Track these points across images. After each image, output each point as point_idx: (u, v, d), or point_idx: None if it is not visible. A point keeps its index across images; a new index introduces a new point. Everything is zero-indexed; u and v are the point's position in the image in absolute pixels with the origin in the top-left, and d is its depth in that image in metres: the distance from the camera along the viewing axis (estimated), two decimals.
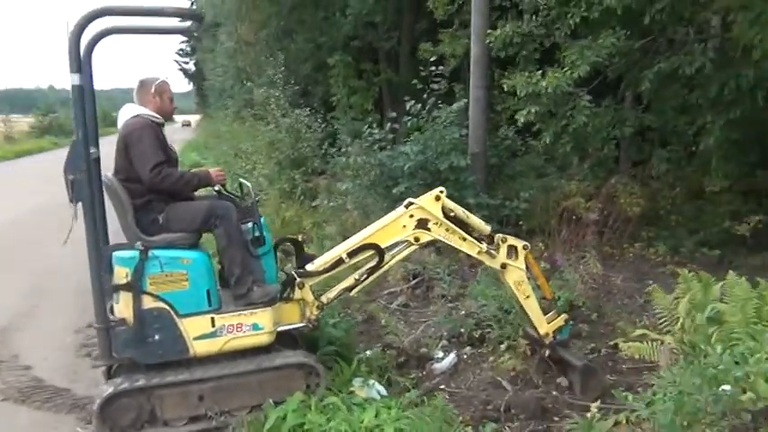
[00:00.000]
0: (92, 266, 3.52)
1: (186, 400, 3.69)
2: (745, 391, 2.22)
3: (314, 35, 14.79)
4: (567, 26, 7.28)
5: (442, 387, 4.43)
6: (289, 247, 4.84)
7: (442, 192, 4.06)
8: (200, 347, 3.68)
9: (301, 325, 4.00)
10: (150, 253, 3.57)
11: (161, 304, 3.59)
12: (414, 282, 6.57)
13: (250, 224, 3.88)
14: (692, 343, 4.02)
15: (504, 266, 4.16)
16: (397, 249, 4.15)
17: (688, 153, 8.70)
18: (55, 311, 6.04)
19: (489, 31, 8.07)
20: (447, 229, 4.05)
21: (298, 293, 3.93)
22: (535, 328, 4.31)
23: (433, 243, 4.22)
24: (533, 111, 7.08)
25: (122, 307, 3.60)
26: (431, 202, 4.03)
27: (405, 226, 4.02)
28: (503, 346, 4.83)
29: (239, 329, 3.73)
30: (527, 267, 4.25)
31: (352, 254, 4.00)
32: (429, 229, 4.03)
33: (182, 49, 48.14)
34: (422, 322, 5.67)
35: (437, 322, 5.49)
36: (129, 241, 3.68)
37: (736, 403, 2.20)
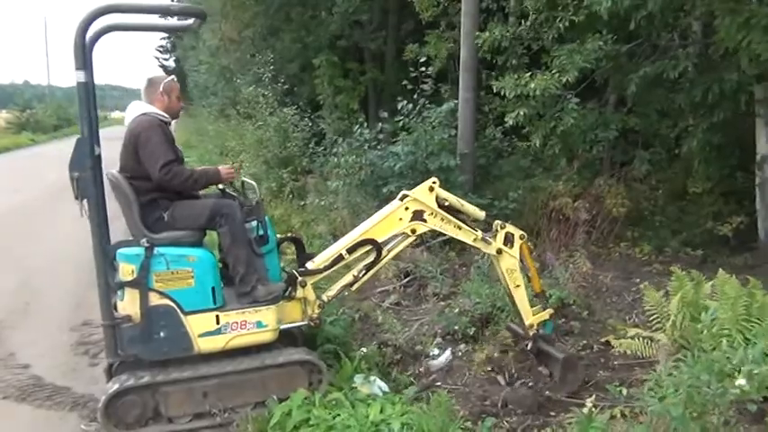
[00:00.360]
0: (97, 264, 3.54)
1: (191, 396, 3.73)
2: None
3: (300, 34, 14.78)
4: (556, 29, 7.42)
5: (439, 384, 4.51)
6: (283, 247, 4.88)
7: (435, 182, 4.13)
8: (204, 344, 3.72)
9: (303, 323, 4.05)
10: (156, 250, 3.61)
11: (167, 301, 3.63)
12: (405, 280, 6.64)
13: (254, 223, 3.93)
14: (683, 339, 4.15)
15: (499, 252, 4.23)
16: (394, 243, 4.21)
17: (670, 155, 8.89)
18: (48, 309, 6.01)
19: (478, 33, 8.18)
20: (442, 219, 4.13)
21: (300, 292, 3.98)
22: (521, 319, 4.39)
23: (423, 242, 4.30)
24: (522, 113, 7.18)
25: (128, 304, 3.63)
26: (425, 193, 4.10)
27: (401, 219, 4.09)
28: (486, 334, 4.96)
29: (243, 327, 3.77)
30: (521, 258, 4.33)
31: (351, 250, 4.06)
32: (425, 220, 4.11)
33: (161, 46, 47.72)
34: (414, 320, 5.74)
35: (431, 320, 5.56)
36: (134, 238, 3.72)
37: (744, 394, 2.31)
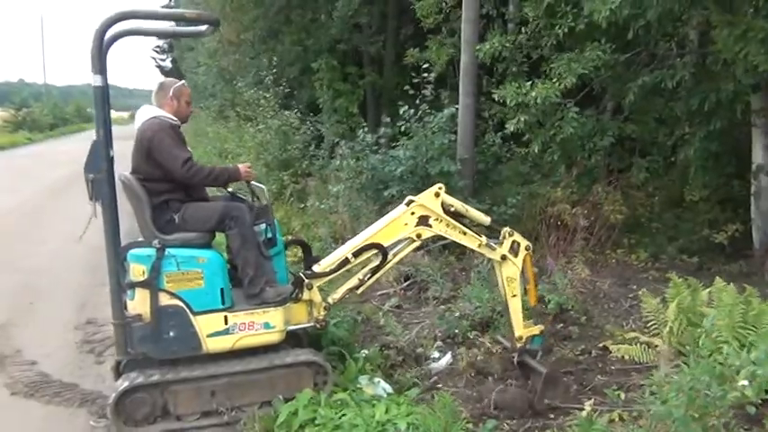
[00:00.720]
0: (110, 264, 3.61)
1: (199, 395, 3.80)
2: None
3: (300, 37, 14.87)
4: (555, 37, 7.51)
5: (440, 386, 4.59)
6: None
7: (440, 188, 4.18)
8: (212, 344, 3.79)
9: (309, 325, 4.12)
10: (167, 251, 3.68)
11: (177, 302, 3.70)
12: (406, 284, 6.72)
13: (263, 225, 4.01)
14: (681, 345, 4.24)
15: (503, 258, 4.28)
16: (399, 247, 4.27)
17: (667, 163, 9.00)
18: (52, 308, 6.06)
19: (478, 46, 8.28)
20: (447, 225, 4.18)
21: (306, 294, 4.05)
22: (511, 329, 4.41)
23: (423, 246, 4.36)
24: (522, 120, 7.27)
25: (138, 303, 3.70)
26: (431, 199, 4.15)
27: (407, 223, 4.14)
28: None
29: (251, 328, 3.84)
30: (522, 269, 4.37)
31: (357, 253, 4.12)
32: (430, 226, 4.15)
33: (158, 46, 47.69)
34: (415, 323, 5.81)
35: (432, 323, 5.64)
36: (145, 239, 3.79)
37: (744, 397, 2.40)
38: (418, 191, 7.71)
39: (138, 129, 3.90)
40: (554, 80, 6.97)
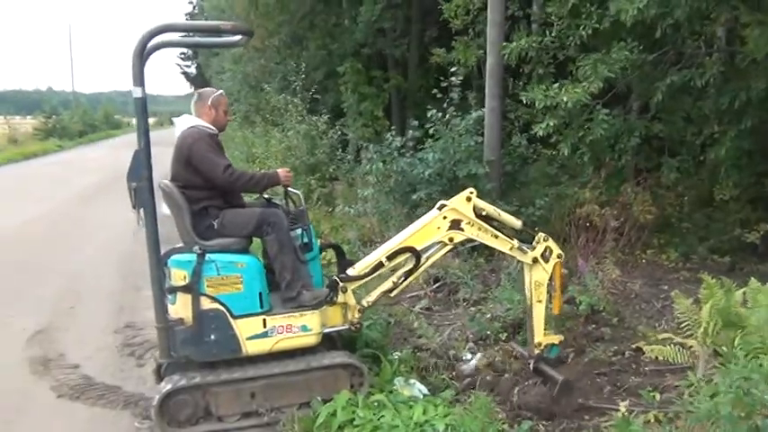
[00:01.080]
0: (152, 269, 3.70)
1: (239, 397, 3.89)
2: None
3: (325, 42, 15.01)
4: (579, 37, 7.50)
5: (472, 389, 4.62)
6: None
7: (472, 192, 4.21)
8: (252, 347, 3.88)
9: (344, 327, 4.19)
10: (207, 257, 3.77)
11: (217, 305, 3.80)
12: (436, 285, 6.77)
13: (299, 230, 4.09)
14: (715, 345, 4.23)
15: (534, 261, 4.31)
16: (431, 251, 4.33)
17: (696, 162, 8.92)
18: (91, 312, 6.23)
19: (504, 44, 8.29)
20: (479, 228, 4.22)
21: (341, 297, 4.13)
22: (531, 334, 4.44)
23: (453, 248, 4.40)
24: (551, 123, 7.25)
25: (180, 307, 3.80)
26: (463, 203, 4.19)
27: (439, 227, 4.19)
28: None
29: (289, 330, 3.93)
30: (551, 276, 4.39)
31: (390, 257, 4.18)
32: (462, 229, 4.19)
33: (183, 53, 48.31)
34: (445, 325, 5.85)
35: (463, 325, 5.68)
36: (185, 245, 3.89)
37: None
38: (446, 193, 7.84)
39: (178, 138, 4.00)
40: (583, 83, 6.93)
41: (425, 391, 4.14)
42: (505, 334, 5.33)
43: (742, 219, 7.90)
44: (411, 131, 8.29)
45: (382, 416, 3.59)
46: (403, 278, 4.26)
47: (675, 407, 3.75)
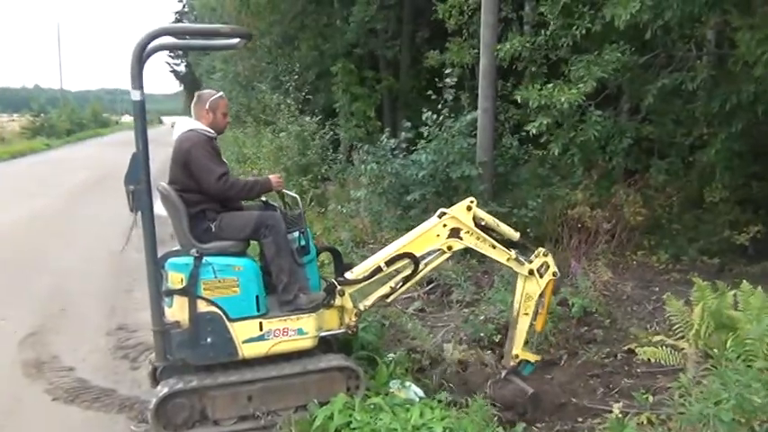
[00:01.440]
0: (149, 272, 3.69)
1: (236, 400, 3.89)
2: None
3: (317, 42, 15.00)
4: (572, 37, 7.54)
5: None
6: None
7: (473, 202, 4.25)
8: (248, 350, 3.87)
9: (341, 331, 4.21)
10: (204, 260, 3.77)
11: (213, 308, 3.79)
12: (429, 287, 6.79)
13: (296, 233, 4.10)
14: (707, 348, 4.28)
15: (530, 273, 4.35)
16: (429, 258, 4.35)
17: (686, 164, 9.00)
18: (83, 314, 6.19)
19: (499, 45, 8.33)
20: (478, 238, 4.25)
21: (338, 300, 4.14)
22: (510, 345, 4.44)
23: (450, 255, 4.42)
24: (545, 122, 7.29)
25: (176, 310, 3.79)
26: (463, 212, 4.22)
27: (438, 235, 4.22)
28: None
29: (285, 334, 3.93)
30: (542, 293, 4.41)
31: (389, 262, 4.19)
32: (461, 238, 4.22)
33: (173, 51, 48.10)
34: (439, 327, 5.88)
35: (456, 327, 5.70)
36: (182, 248, 3.89)
37: None
38: (439, 195, 7.86)
39: (176, 141, 4.00)
40: (578, 84, 6.98)
41: (421, 393, 4.16)
42: (499, 336, 5.36)
43: (731, 220, 7.97)
44: (404, 133, 8.31)
45: (379, 419, 3.60)
46: (401, 284, 4.28)
47: (668, 408, 3.79)
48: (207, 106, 4.06)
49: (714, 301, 4.54)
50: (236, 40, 4.01)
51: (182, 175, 3.91)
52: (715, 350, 4.14)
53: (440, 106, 7.99)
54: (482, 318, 5.66)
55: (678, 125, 8.38)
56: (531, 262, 4.32)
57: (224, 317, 3.81)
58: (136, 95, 3.52)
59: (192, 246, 3.80)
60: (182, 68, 48.04)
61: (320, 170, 11.24)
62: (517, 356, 4.40)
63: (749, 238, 7.50)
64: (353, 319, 4.19)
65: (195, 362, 3.84)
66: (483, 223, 4.30)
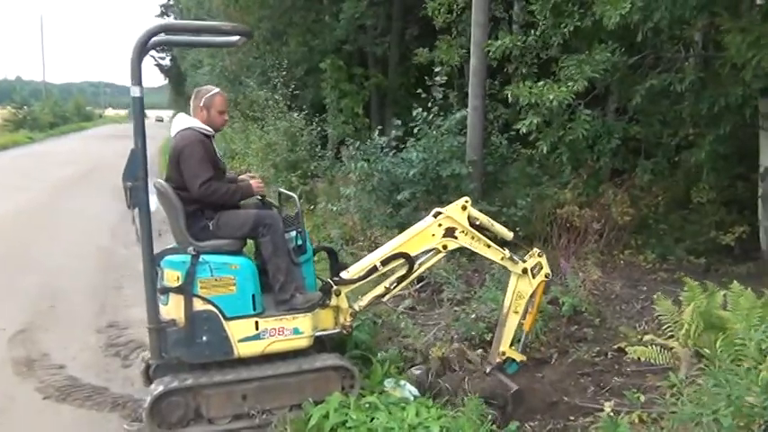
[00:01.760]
0: (145, 270, 3.67)
1: (231, 399, 3.88)
2: None
3: (306, 38, 14.96)
4: (562, 36, 7.59)
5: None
6: None
7: (467, 202, 4.28)
8: (243, 349, 3.87)
9: (336, 330, 4.21)
10: (201, 258, 3.76)
11: (210, 307, 3.78)
12: (419, 285, 6.80)
13: (293, 233, 4.09)
14: (697, 347, 4.35)
15: (524, 272, 4.39)
16: (424, 258, 4.37)
17: (672, 164, 9.10)
18: (72, 311, 6.14)
19: (489, 42, 8.36)
20: (473, 237, 4.27)
21: (334, 300, 4.14)
22: (497, 343, 4.50)
23: (445, 255, 4.44)
24: (535, 121, 7.33)
25: (172, 308, 3.78)
26: (458, 212, 4.24)
27: (434, 234, 4.23)
28: None
29: (281, 333, 3.93)
30: (533, 293, 4.47)
31: (385, 262, 4.20)
32: (456, 238, 4.25)
33: None
34: (430, 325, 5.90)
35: (447, 325, 5.73)
36: (179, 246, 3.87)
37: None
38: (429, 193, 7.88)
39: (173, 138, 3.97)
40: (568, 83, 7.03)
41: (416, 392, 4.18)
42: (491, 334, 5.37)
43: (717, 221, 8.08)
44: (394, 131, 8.31)
45: (375, 418, 3.61)
46: (395, 283, 4.29)
47: (659, 407, 3.84)
48: (201, 103, 4.02)
49: (704, 301, 4.61)
50: (236, 38, 3.99)
51: (176, 173, 3.89)
52: (706, 350, 4.22)
53: (429, 104, 8.00)
54: (473, 316, 5.68)
55: (665, 126, 8.46)
56: (525, 261, 4.36)
57: (220, 315, 3.80)
58: (135, 91, 3.50)
59: (189, 244, 3.79)
60: (167, 62, 47.54)
61: (309, 167, 11.22)
62: (504, 354, 4.45)
63: (735, 238, 7.61)
64: (349, 319, 4.20)
65: (191, 360, 3.83)
66: (477, 223, 4.32)
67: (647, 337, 4.86)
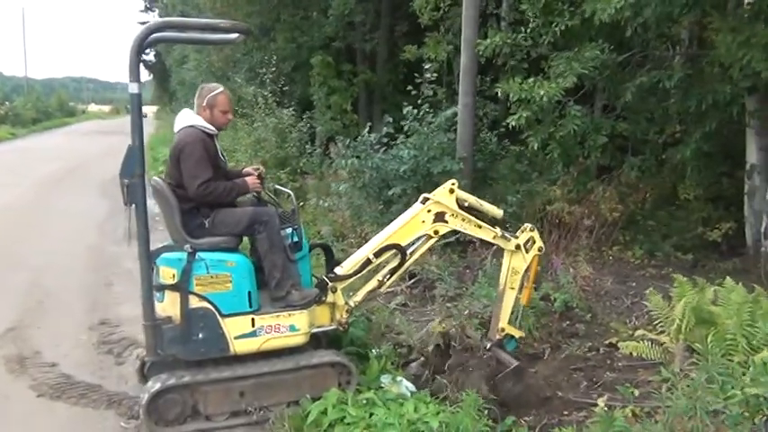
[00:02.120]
0: (142, 267, 3.66)
1: (228, 395, 3.88)
2: None
3: (294, 35, 14.91)
4: (552, 34, 7.64)
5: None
6: None
7: (454, 184, 4.28)
8: (240, 346, 3.87)
9: (332, 327, 4.22)
10: (197, 255, 3.75)
11: (206, 304, 3.78)
12: (411, 281, 6.83)
13: (289, 230, 4.09)
14: (688, 342, 4.41)
15: (517, 248, 4.40)
16: (415, 246, 4.35)
17: (659, 162, 9.20)
18: (62, 308, 6.08)
19: (479, 41, 8.40)
20: (463, 219, 4.27)
21: (330, 297, 4.15)
22: (495, 320, 4.53)
23: (437, 240, 4.45)
24: (524, 116, 7.37)
25: (168, 306, 3.77)
26: (445, 195, 4.24)
27: (424, 221, 4.23)
28: None
29: (277, 330, 3.93)
30: (528, 267, 4.48)
31: (378, 254, 4.20)
32: (446, 221, 4.25)
33: None
34: (422, 321, 5.92)
35: (440, 321, 5.74)
36: (175, 243, 3.86)
37: None
38: (420, 190, 7.88)
39: (176, 134, 3.95)
40: (558, 79, 7.08)
41: (413, 388, 4.19)
42: (484, 330, 5.42)
43: (704, 217, 8.18)
44: (385, 128, 8.32)
45: (373, 414, 3.63)
46: (389, 276, 4.30)
47: (653, 402, 3.89)
48: (204, 103, 4.00)
49: (695, 297, 4.68)
50: (234, 36, 3.98)
51: (176, 171, 3.87)
52: (698, 345, 4.28)
53: (419, 101, 8.02)
54: (466, 312, 5.71)
55: (651, 123, 8.55)
56: (517, 237, 4.38)
57: (216, 312, 3.80)
58: (133, 88, 3.49)
59: (185, 241, 3.78)
60: (151, 57, 47.12)
61: (298, 163, 11.21)
62: (503, 330, 4.46)
63: (721, 234, 7.72)
64: (344, 315, 4.21)
65: (187, 357, 3.82)
66: (466, 204, 4.33)
67: (638, 333, 4.92)
